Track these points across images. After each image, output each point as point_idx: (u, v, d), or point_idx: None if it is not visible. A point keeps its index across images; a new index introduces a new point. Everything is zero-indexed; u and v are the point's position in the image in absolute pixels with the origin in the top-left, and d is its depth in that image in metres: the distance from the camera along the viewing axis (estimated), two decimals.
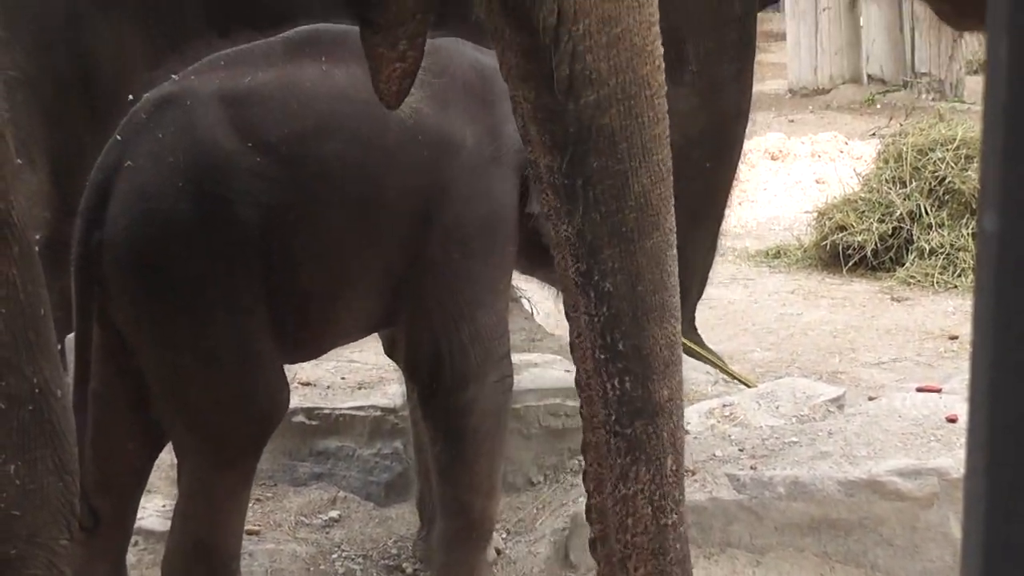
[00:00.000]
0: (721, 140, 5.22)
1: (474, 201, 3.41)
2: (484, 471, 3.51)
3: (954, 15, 5.62)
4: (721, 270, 7.14)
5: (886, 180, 7.80)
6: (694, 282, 5.44)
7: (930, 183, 7.67)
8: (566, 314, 2.84)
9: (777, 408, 4.25)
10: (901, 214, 7.60)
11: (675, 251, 2.80)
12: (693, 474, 3.83)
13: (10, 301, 2.58)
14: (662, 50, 2.72)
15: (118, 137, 3.25)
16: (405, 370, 3.57)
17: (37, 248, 2.69)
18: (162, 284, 3.21)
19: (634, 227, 2.71)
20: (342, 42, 3.30)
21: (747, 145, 5.55)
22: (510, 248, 3.49)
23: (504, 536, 3.93)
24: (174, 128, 3.21)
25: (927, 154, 7.77)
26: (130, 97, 3.36)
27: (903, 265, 7.53)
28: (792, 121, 12.31)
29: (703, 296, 5.67)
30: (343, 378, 4.46)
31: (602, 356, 2.77)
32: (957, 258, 7.42)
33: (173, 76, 3.33)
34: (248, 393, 3.26)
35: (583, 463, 2.88)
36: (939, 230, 7.53)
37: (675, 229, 2.79)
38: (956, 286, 7.27)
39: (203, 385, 3.25)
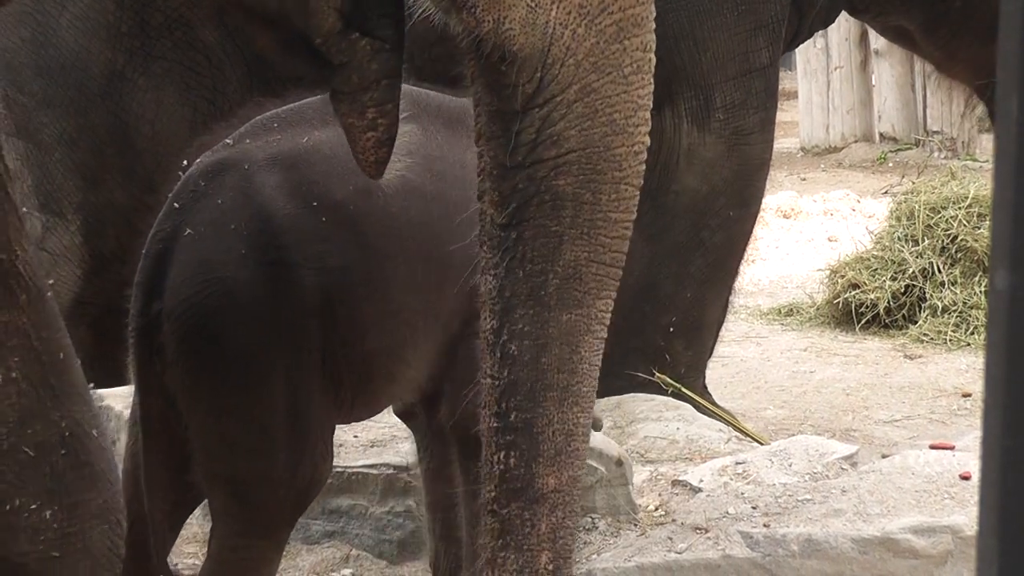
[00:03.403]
0: (745, 190, 5.23)
1: None
2: None
3: (944, 60, 5.65)
4: (733, 328, 7.13)
5: (898, 238, 7.80)
6: (710, 339, 5.43)
7: (942, 241, 7.66)
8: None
9: (790, 466, 4.23)
10: (914, 272, 7.59)
11: (599, 342, 2.64)
12: (706, 532, 3.82)
13: (24, 349, 2.56)
14: (647, 141, 2.61)
15: (175, 204, 3.17)
16: (449, 428, 3.50)
17: (65, 306, 2.67)
18: (220, 354, 3.16)
19: (554, 295, 2.59)
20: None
21: None
22: None
23: None
24: (234, 194, 3.13)
25: (939, 212, 7.76)
26: (183, 163, 3.27)
27: (916, 323, 7.51)
28: (804, 179, 12.32)
29: (715, 354, 5.66)
30: (356, 436, 4.45)
31: (494, 425, 2.65)
32: (970, 316, 7.40)
33: (227, 140, 3.24)
34: (294, 464, 3.19)
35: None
36: (952, 288, 7.51)
37: (606, 322, 2.64)
38: (969, 344, 7.25)
39: (251, 455, 3.20)
